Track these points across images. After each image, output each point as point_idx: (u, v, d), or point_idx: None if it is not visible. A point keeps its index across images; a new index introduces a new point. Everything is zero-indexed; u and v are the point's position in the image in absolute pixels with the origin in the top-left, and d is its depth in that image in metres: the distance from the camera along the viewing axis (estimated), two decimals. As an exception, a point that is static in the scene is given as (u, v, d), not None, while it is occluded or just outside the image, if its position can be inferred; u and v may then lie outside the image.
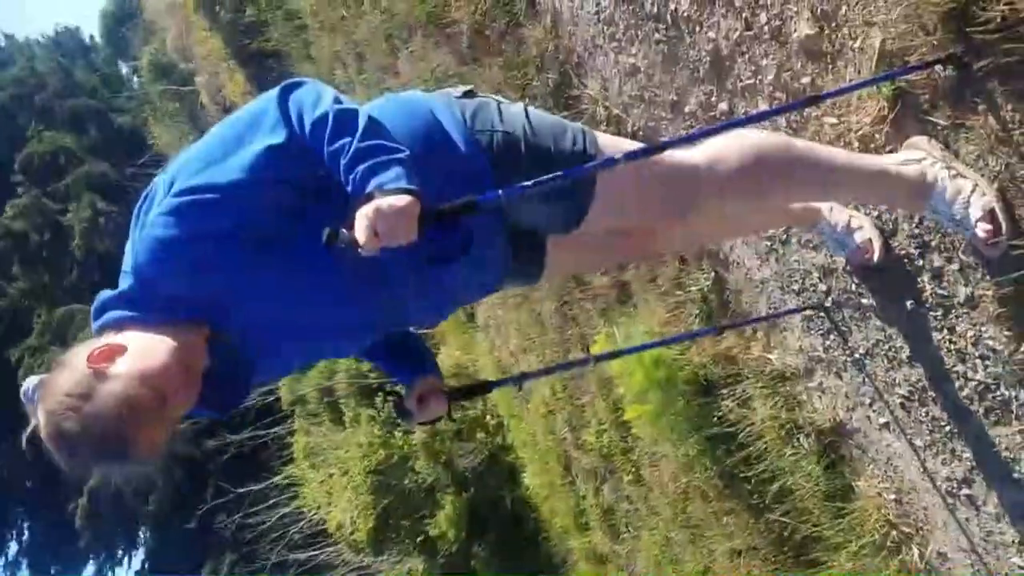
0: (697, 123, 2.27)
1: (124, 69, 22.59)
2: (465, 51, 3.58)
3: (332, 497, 6.44)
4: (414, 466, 5.66)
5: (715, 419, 2.54)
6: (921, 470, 1.93)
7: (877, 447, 2.07)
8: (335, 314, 1.29)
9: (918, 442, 1.91)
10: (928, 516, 1.97)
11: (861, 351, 2.00)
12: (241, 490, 8.67)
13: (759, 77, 1.97)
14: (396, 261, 1.22)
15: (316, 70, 6.22)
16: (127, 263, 1.23)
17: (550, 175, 1.22)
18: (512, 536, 5.30)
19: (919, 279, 1.72)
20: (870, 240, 1.76)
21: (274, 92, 1.23)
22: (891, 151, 1.63)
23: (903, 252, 1.74)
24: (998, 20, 1.33)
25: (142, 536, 18.18)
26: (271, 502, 8.20)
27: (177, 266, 1.18)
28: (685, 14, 2.17)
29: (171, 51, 14.40)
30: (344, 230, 1.14)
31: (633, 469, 3.42)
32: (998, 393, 1.64)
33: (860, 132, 1.70)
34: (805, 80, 1.83)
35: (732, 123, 1.43)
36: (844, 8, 1.67)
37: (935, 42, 1.46)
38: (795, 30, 1.80)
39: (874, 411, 2.04)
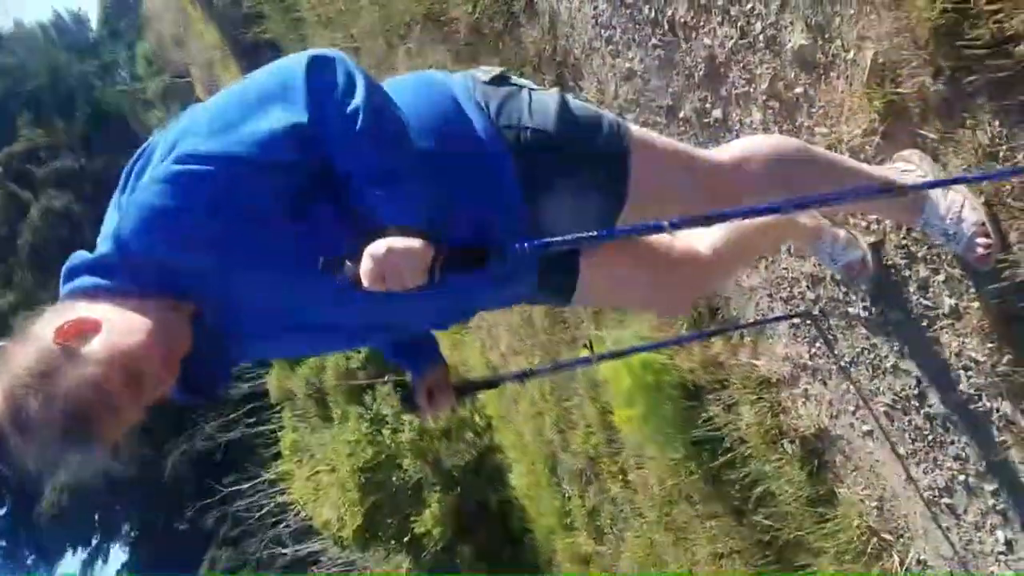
0: (692, 128, 2.28)
1: (119, 59, 22.47)
2: (462, 49, 3.59)
3: (319, 494, 6.44)
4: (401, 464, 5.66)
5: (701, 423, 2.56)
6: (903, 478, 1.95)
7: (860, 454, 2.10)
8: (332, 313, 1.19)
9: (901, 450, 1.93)
10: (909, 524, 1.99)
11: (846, 359, 2.02)
12: (229, 489, 8.62)
13: (753, 85, 1.98)
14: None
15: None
16: (108, 226, 1.11)
17: (589, 234, 1.14)
18: (497, 536, 5.31)
19: (905, 289, 1.74)
20: (863, 259, 1.76)
21: (302, 61, 1.09)
22: (879, 163, 1.65)
23: (890, 262, 1.76)
24: (987, 37, 1.35)
25: (124, 530, 18.03)
26: (256, 495, 8.19)
27: (167, 238, 1.06)
28: (682, 20, 2.18)
29: (167, 41, 14.34)
30: (348, 263, 1.05)
31: (619, 471, 3.43)
32: (980, 404, 1.66)
33: (851, 143, 1.72)
34: (798, 90, 1.84)
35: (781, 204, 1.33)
36: (838, 20, 1.69)
37: (926, 57, 1.48)
38: (789, 40, 1.82)
39: (858, 419, 2.06)
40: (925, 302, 1.70)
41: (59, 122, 18.43)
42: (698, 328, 2.55)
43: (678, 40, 2.22)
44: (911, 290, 1.72)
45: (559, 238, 1.13)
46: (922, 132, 1.56)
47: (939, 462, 1.82)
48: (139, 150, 1.14)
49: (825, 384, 2.14)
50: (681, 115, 2.32)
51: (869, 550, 2.08)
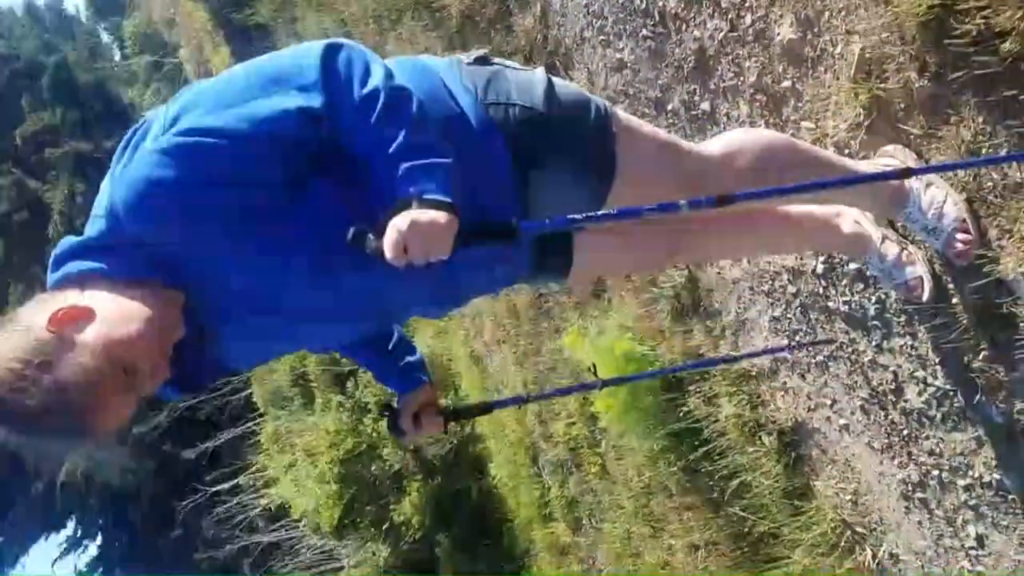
0: (679, 121, 2.29)
1: (107, 40, 22.19)
2: (453, 36, 3.57)
3: (298, 484, 6.40)
4: (382, 454, 5.65)
5: (681, 415, 2.57)
6: (877, 472, 1.97)
7: (836, 448, 2.11)
8: (308, 297, 1.17)
9: (876, 444, 1.95)
10: (882, 518, 2.02)
11: (825, 353, 2.03)
12: (213, 488, 8.54)
13: (741, 79, 1.99)
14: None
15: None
16: (100, 204, 1.08)
17: (603, 213, 1.14)
18: (476, 525, 5.31)
19: (882, 285, 1.75)
20: (920, 278, 1.63)
21: (318, 47, 1.09)
22: (863, 158, 1.66)
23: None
24: (974, 33, 1.36)
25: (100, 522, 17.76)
26: (233, 483, 8.14)
27: (164, 211, 1.03)
28: (673, 11, 2.18)
29: (156, 22, 14.18)
30: (371, 237, 1.04)
31: (599, 462, 3.45)
32: (956, 400, 1.68)
33: (835, 138, 1.73)
34: (786, 84, 1.85)
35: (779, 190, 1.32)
36: (827, 15, 1.69)
37: (912, 52, 1.49)
38: (778, 33, 1.83)
39: (835, 412, 2.07)
40: (902, 298, 1.71)
41: (55, 104, 18.16)
42: (681, 319, 2.56)
43: (668, 32, 2.22)
44: (888, 286, 1.73)
45: (582, 215, 1.11)
46: (906, 128, 1.57)
47: (913, 456, 1.84)
48: (133, 128, 1.12)
49: (803, 378, 2.16)
50: (669, 107, 2.32)
51: (843, 543, 2.10)
